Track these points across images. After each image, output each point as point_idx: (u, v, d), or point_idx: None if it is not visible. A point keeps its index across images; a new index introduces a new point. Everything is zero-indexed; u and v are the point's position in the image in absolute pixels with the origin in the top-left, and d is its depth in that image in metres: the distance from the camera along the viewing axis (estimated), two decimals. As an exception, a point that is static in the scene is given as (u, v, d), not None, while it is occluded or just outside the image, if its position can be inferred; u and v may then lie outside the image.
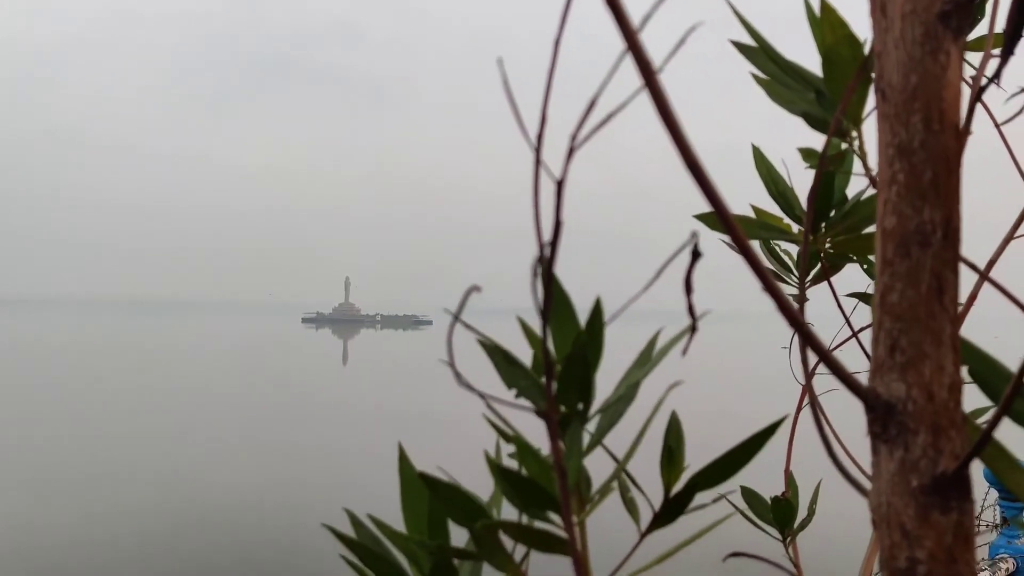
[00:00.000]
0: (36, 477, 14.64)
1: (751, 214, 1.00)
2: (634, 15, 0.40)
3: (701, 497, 0.59)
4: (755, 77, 0.81)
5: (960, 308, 1.03)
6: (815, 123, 0.76)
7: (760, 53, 0.80)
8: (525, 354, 0.58)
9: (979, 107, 0.55)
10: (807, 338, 0.48)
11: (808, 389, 0.72)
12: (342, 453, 17.53)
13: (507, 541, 0.56)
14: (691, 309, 0.45)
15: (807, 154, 0.80)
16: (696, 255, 0.44)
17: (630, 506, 0.62)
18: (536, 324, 0.51)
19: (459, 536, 0.62)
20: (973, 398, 0.52)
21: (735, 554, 0.63)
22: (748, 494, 1.17)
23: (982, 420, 0.47)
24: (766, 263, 1.10)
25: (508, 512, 0.58)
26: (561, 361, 0.55)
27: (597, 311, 0.55)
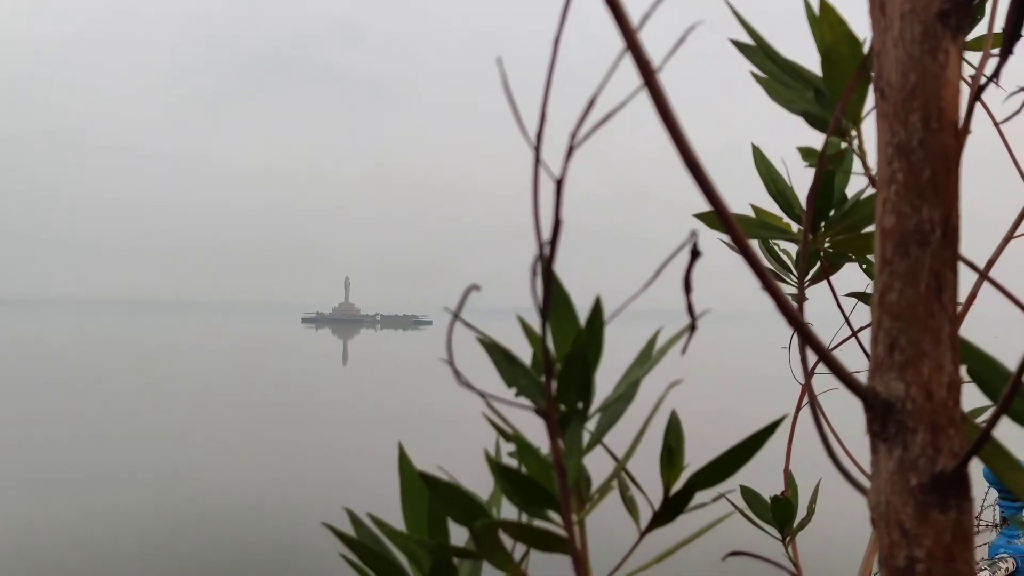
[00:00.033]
0: (36, 477, 14.63)
1: (751, 214, 1.00)
2: (633, 14, 0.40)
3: (701, 496, 0.59)
4: (754, 76, 0.81)
5: (959, 308, 1.03)
6: (814, 122, 0.76)
7: (759, 52, 0.80)
8: (525, 354, 0.58)
9: (979, 106, 0.55)
10: (806, 337, 0.48)
11: (807, 388, 0.72)
12: (342, 453, 17.53)
13: (507, 540, 0.56)
14: (690, 308, 0.45)
15: (806, 153, 0.81)
16: (695, 254, 0.44)
17: (630, 505, 0.62)
18: (536, 323, 0.51)
19: (459, 535, 0.62)
20: (973, 397, 0.53)
21: (735, 553, 0.63)
22: (748, 493, 1.17)
23: (981, 419, 0.47)
24: (765, 263, 1.10)
25: (508, 511, 0.58)
26: (561, 360, 0.55)
27: (597, 310, 0.55)
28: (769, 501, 1.17)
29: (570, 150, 0.44)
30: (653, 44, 0.41)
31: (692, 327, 0.48)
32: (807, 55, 0.78)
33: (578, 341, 0.54)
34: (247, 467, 15.75)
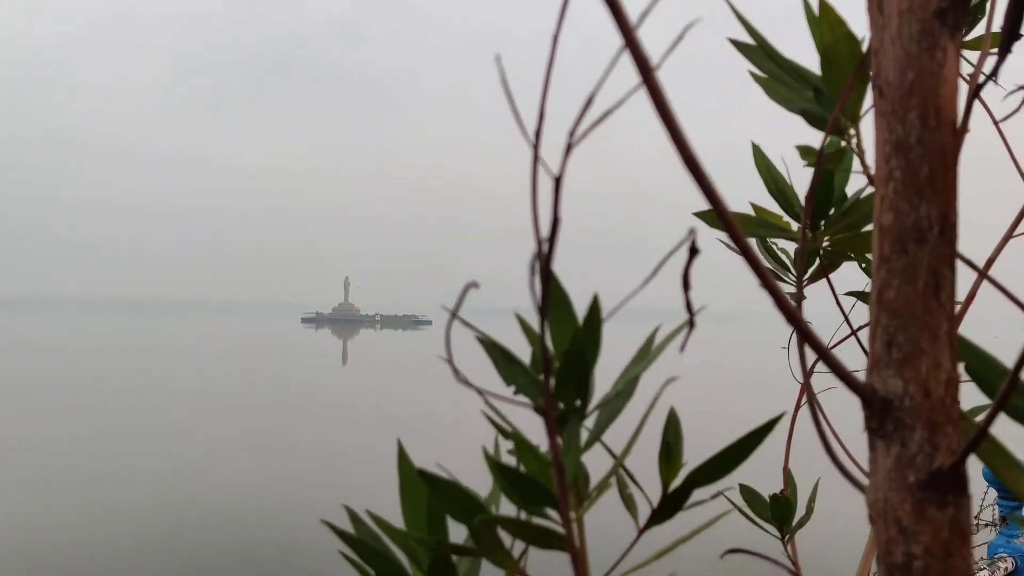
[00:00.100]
0: (36, 477, 14.64)
1: (751, 213, 1.00)
2: (632, 13, 0.40)
3: (700, 495, 0.59)
4: (753, 75, 0.81)
5: (959, 306, 1.03)
6: (813, 121, 0.76)
7: (758, 51, 0.80)
8: (525, 354, 0.59)
9: (978, 105, 0.55)
10: (805, 335, 0.48)
11: (806, 387, 0.72)
12: (342, 453, 17.53)
13: (505, 537, 0.56)
14: (689, 305, 0.45)
15: (805, 152, 0.81)
16: (694, 251, 0.44)
17: (628, 502, 0.62)
18: (535, 323, 0.51)
19: (458, 533, 0.62)
20: (973, 397, 0.53)
21: (733, 550, 0.63)
22: (747, 492, 1.17)
23: (980, 418, 0.47)
24: (764, 262, 1.10)
25: (507, 509, 0.58)
26: (559, 358, 0.55)
27: (594, 307, 0.55)
28: (768, 500, 1.18)
29: (568, 147, 0.44)
30: (652, 43, 0.41)
31: (690, 324, 0.48)
32: (806, 54, 0.78)
33: (576, 339, 0.54)
34: (247, 467, 15.75)
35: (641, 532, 0.59)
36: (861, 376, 0.47)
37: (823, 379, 0.61)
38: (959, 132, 0.45)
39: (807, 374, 0.66)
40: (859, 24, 0.62)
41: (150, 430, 19.90)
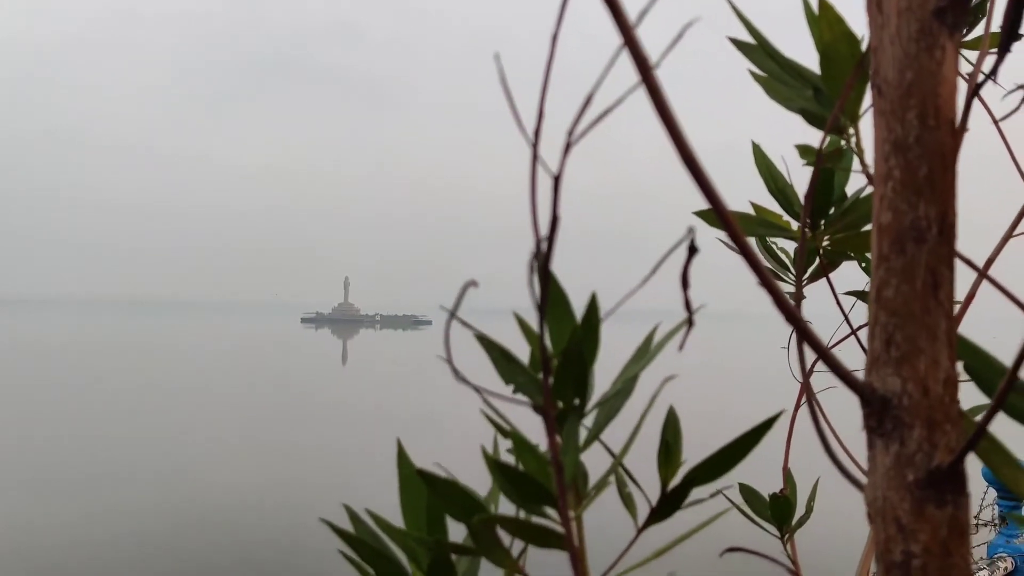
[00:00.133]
0: (36, 477, 14.64)
1: (751, 212, 1.00)
2: (631, 12, 0.41)
3: (699, 494, 0.59)
4: (753, 74, 0.81)
5: (958, 306, 1.03)
6: (813, 120, 0.77)
7: (758, 50, 0.80)
8: (524, 353, 0.59)
9: (977, 105, 0.55)
10: (804, 334, 0.48)
11: (806, 386, 0.72)
12: (342, 453, 17.53)
13: (505, 536, 0.56)
14: (687, 304, 0.45)
15: (804, 151, 0.81)
16: (692, 250, 0.44)
17: (627, 501, 0.62)
18: (534, 323, 0.51)
19: (457, 531, 0.62)
20: (972, 396, 0.53)
21: (733, 549, 0.63)
22: (747, 491, 1.17)
23: (980, 417, 0.47)
24: (763, 261, 1.10)
25: (506, 508, 0.59)
26: (558, 357, 0.55)
27: (593, 306, 0.55)
28: (768, 499, 1.18)
29: (567, 146, 0.44)
30: (651, 42, 0.41)
31: (689, 323, 0.48)
32: (806, 53, 0.78)
33: (574, 338, 0.54)
34: (247, 467, 15.75)
35: (640, 531, 0.59)
36: (860, 375, 0.47)
37: (823, 379, 0.61)
38: (958, 131, 0.45)
39: (807, 373, 0.66)
40: (858, 23, 0.63)
41: (150, 430, 19.90)
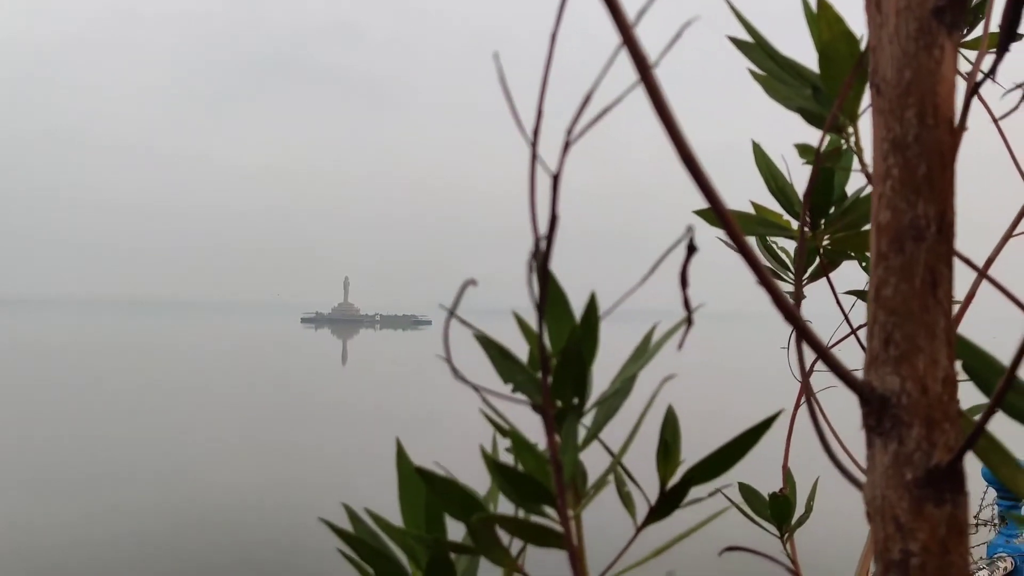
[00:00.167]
0: (36, 477, 14.64)
1: (751, 211, 1.00)
2: (630, 11, 0.40)
3: (698, 493, 0.59)
4: (752, 73, 0.81)
5: (958, 306, 1.03)
6: (812, 119, 0.77)
7: (757, 49, 0.80)
8: (524, 353, 0.59)
9: (977, 104, 0.55)
10: (803, 333, 0.48)
11: (805, 386, 0.72)
12: (342, 453, 17.53)
13: (504, 535, 0.56)
14: (687, 303, 0.45)
15: (803, 150, 0.81)
16: (692, 249, 0.44)
17: (626, 500, 0.62)
18: (533, 322, 0.51)
19: (456, 531, 0.62)
20: (972, 396, 0.53)
21: (732, 548, 0.63)
22: (746, 490, 1.17)
23: (978, 417, 0.47)
24: (763, 260, 1.10)
25: (505, 507, 0.59)
26: (557, 356, 0.55)
27: (592, 305, 0.55)
28: (767, 498, 1.18)
29: (566, 145, 0.44)
30: (650, 41, 0.41)
31: (688, 322, 0.48)
32: (805, 53, 0.78)
33: (573, 337, 0.54)
34: (247, 467, 15.75)
35: (639, 530, 0.59)
36: (860, 375, 0.47)
37: (822, 378, 0.61)
38: (957, 130, 0.45)
39: (806, 373, 0.66)
40: (857, 22, 0.62)
41: (150, 430, 19.90)
